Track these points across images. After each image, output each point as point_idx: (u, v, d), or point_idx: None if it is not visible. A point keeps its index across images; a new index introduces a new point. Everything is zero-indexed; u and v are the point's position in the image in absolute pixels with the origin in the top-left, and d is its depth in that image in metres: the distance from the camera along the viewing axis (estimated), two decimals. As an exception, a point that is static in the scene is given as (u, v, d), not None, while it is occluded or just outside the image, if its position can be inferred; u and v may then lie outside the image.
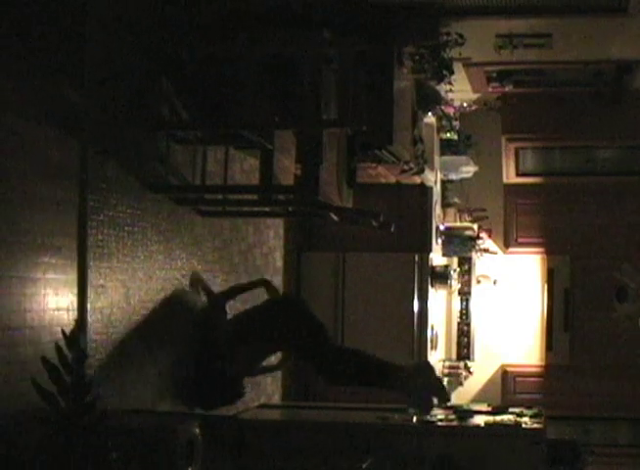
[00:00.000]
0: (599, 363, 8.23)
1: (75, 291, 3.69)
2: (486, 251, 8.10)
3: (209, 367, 4.96)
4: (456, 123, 7.66)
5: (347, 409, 5.72)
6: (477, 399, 8.02)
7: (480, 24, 6.06)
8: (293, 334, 5.08)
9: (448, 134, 7.74)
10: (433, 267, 7.25)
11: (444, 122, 7.58)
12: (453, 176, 8.01)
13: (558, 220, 8.42)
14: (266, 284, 5.46)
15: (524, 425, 5.09)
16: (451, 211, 8.14)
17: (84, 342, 2.92)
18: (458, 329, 8.11)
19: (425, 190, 7.28)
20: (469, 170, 7.97)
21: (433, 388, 5.03)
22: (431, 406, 5.07)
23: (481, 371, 8.30)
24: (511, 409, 5.53)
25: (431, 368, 5.17)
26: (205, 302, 5.15)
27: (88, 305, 3.77)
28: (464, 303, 8.12)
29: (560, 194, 8.48)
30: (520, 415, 5.33)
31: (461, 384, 8.02)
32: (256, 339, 5.15)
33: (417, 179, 7.00)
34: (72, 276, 3.69)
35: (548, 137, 8.41)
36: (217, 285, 5.37)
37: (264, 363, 5.53)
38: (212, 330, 5.07)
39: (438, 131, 7.65)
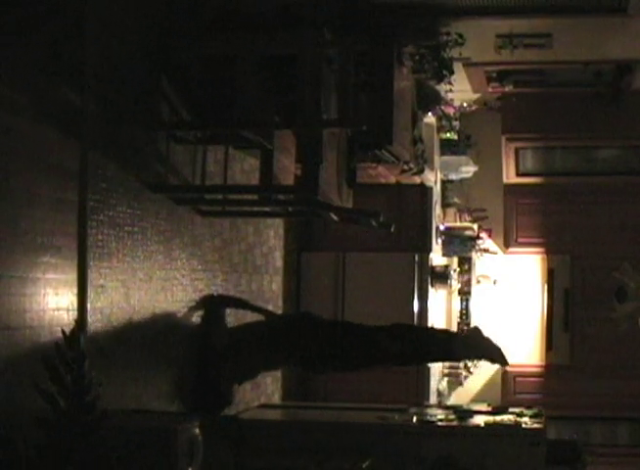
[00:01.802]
0: (599, 363, 8.23)
1: (75, 291, 3.69)
2: (486, 251, 8.10)
3: (204, 371, 4.97)
4: (456, 123, 7.66)
5: (347, 409, 5.73)
6: (477, 399, 8.02)
7: (480, 24, 6.06)
8: (326, 347, 5.08)
9: (448, 134, 7.74)
10: (433, 267, 7.25)
11: (444, 122, 7.58)
12: (453, 176, 8.01)
13: (558, 220, 8.41)
14: (267, 314, 5.51)
15: (524, 425, 5.10)
16: (451, 211, 8.14)
17: (84, 342, 2.92)
18: (458, 329, 8.10)
19: (425, 190, 7.28)
20: (469, 170, 7.97)
21: (492, 351, 5.06)
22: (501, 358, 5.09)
23: (481, 371, 8.29)
24: (511, 409, 5.54)
25: (483, 333, 5.21)
26: (206, 304, 5.15)
27: (88, 305, 3.77)
28: (464, 303, 8.11)
29: (560, 194, 8.48)
30: (520, 415, 5.33)
31: (461, 384, 8.02)
32: (261, 354, 5.16)
33: (417, 179, 7.00)
34: (72, 276, 3.69)
35: (548, 137, 8.41)
36: (217, 285, 5.37)
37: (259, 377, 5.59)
38: (210, 335, 5.08)
39: (438, 131, 7.65)
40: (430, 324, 7.10)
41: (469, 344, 5.07)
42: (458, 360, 5.78)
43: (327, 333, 5.12)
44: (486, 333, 5.19)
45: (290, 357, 5.19)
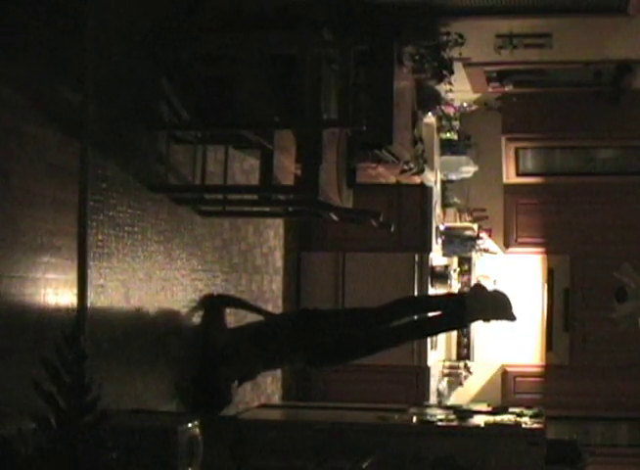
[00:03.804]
0: (599, 363, 8.23)
1: (75, 291, 3.69)
2: (486, 251, 8.10)
3: (204, 371, 4.97)
4: (456, 123, 7.67)
5: (347, 409, 5.73)
6: (477, 399, 8.02)
7: (480, 24, 6.06)
8: (334, 336, 5.09)
9: (448, 134, 7.74)
10: (433, 267, 7.25)
11: (444, 122, 7.58)
12: (453, 176, 8.01)
13: (558, 220, 8.41)
14: (266, 314, 5.52)
15: (524, 425, 5.10)
16: (451, 211, 8.14)
17: (84, 342, 2.91)
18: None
19: (425, 190, 7.28)
20: (469, 170, 7.97)
21: (500, 306, 5.05)
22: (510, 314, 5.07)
23: (481, 371, 8.30)
24: (511, 409, 5.54)
25: (486, 288, 5.20)
26: (206, 304, 5.15)
27: (88, 305, 3.77)
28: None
29: (560, 194, 8.47)
30: (520, 415, 5.33)
31: (461, 384, 8.03)
32: (261, 353, 5.16)
33: (417, 179, 7.00)
34: (72, 276, 3.69)
35: (548, 137, 8.40)
36: (217, 285, 5.37)
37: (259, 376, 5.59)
38: (210, 335, 5.08)
39: (438, 131, 7.65)
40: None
41: (476, 304, 5.05)
42: (466, 326, 5.78)
43: (332, 322, 5.13)
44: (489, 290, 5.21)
45: (293, 354, 5.19)
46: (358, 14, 5.46)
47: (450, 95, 6.95)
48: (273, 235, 6.51)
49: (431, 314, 5.45)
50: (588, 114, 8.02)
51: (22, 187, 3.36)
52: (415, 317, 5.36)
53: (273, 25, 4.61)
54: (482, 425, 5.12)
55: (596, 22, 6.06)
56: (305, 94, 4.32)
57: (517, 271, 8.49)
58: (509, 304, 5.11)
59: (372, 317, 5.15)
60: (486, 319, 5.16)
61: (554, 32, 6.27)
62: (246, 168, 5.71)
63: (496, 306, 5.07)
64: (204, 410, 4.88)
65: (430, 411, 5.59)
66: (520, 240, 8.50)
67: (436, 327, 5.42)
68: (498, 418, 5.28)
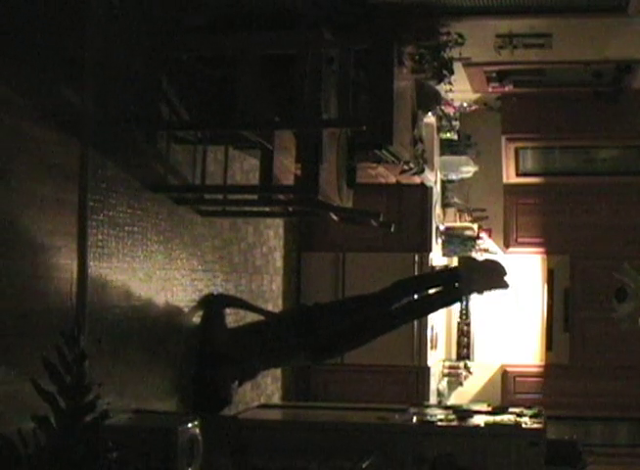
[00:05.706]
0: (599, 363, 8.23)
1: (75, 291, 3.69)
2: (486, 251, 8.10)
3: (203, 371, 4.97)
4: (456, 123, 7.66)
5: (347, 409, 5.73)
6: (477, 399, 8.02)
7: (480, 24, 6.06)
8: (340, 326, 5.11)
9: (448, 134, 7.74)
10: (432, 267, 7.25)
11: (444, 122, 7.58)
12: (453, 176, 8.01)
13: (558, 220, 8.41)
14: (267, 314, 5.52)
15: (523, 425, 5.10)
16: (451, 211, 8.14)
17: (84, 342, 2.91)
18: (458, 329, 8.11)
19: (425, 190, 7.28)
20: (469, 170, 7.97)
21: (493, 275, 5.08)
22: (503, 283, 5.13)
23: (481, 371, 8.30)
24: (511, 409, 5.54)
25: (477, 260, 5.23)
26: (206, 304, 5.15)
27: (88, 305, 3.77)
28: (464, 302, 8.11)
29: (560, 194, 8.47)
30: (520, 415, 5.33)
31: (461, 384, 8.03)
32: (262, 353, 5.16)
33: (417, 179, 7.00)
34: (72, 276, 3.69)
35: (548, 137, 8.40)
36: (217, 285, 5.37)
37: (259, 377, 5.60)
38: (210, 335, 5.08)
39: (438, 131, 7.64)
40: (430, 324, 7.11)
41: (470, 275, 5.08)
42: (461, 298, 5.86)
43: (333, 314, 5.14)
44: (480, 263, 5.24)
45: (295, 352, 5.19)
46: (358, 14, 5.46)
47: (450, 95, 6.95)
48: (273, 235, 6.51)
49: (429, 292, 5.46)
50: (588, 114, 8.02)
51: (22, 187, 3.36)
52: (415, 297, 5.39)
53: (273, 25, 4.61)
54: (482, 425, 5.12)
55: (596, 22, 6.06)
56: (305, 94, 4.31)
57: (517, 271, 8.49)
58: (503, 270, 5.16)
59: (371, 303, 5.16)
60: (480, 291, 5.20)
61: (554, 32, 6.27)
62: (246, 168, 5.71)
63: (490, 274, 5.11)
64: (204, 410, 4.88)
65: (430, 411, 5.59)
66: (520, 240, 8.50)
67: (434, 304, 5.44)
68: (498, 418, 5.28)
